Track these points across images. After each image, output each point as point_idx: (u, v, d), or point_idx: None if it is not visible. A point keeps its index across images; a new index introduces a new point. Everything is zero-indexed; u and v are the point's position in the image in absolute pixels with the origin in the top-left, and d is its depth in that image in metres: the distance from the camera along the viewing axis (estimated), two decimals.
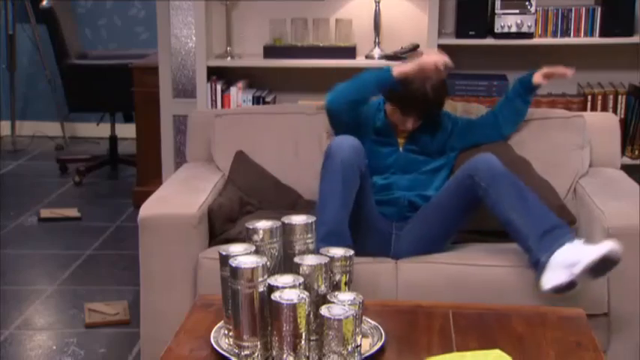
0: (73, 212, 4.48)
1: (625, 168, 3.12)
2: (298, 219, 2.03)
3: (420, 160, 2.84)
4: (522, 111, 2.96)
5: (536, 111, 3.18)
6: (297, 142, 3.11)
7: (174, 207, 2.73)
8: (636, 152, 3.53)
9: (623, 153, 3.35)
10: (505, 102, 2.95)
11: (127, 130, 5.33)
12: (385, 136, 2.85)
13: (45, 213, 4.48)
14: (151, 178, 4.23)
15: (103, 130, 5.49)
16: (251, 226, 1.99)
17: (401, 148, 2.85)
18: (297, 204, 3.00)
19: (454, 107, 3.07)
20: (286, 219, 2.04)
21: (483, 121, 2.96)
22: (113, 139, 5.30)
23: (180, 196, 2.83)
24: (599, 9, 3.44)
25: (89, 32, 6.06)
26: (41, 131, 6.06)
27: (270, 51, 3.60)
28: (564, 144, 3.00)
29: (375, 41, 3.57)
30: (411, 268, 2.61)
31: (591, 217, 2.70)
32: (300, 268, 1.91)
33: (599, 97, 3.50)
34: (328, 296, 1.90)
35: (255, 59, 3.62)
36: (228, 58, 3.62)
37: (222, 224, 2.80)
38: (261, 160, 3.08)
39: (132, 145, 4.87)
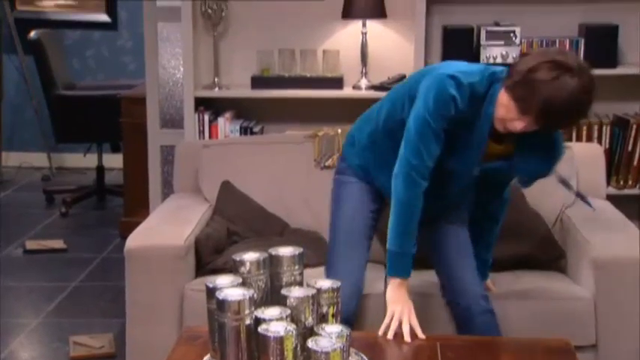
0: (58, 244, 4.45)
1: (610, 198, 3.13)
2: (285, 250, 2.03)
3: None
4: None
5: None
6: (284, 172, 3.12)
7: (161, 238, 2.72)
8: (621, 182, 3.55)
9: (608, 183, 3.37)
10: (481, 230, 2.56)
11: (114, 161, 5.32)
12: (472, 146, 2.27)
13: (31, 245, 4.44)
14: (138, 208, 4.21)
15: (90, 160, 5.48)
16: (238, 258, 1.98)
17: (477, 169, 2.31)
18: (284, 233, 3.00)
19: None
20: (273, 250, 2.03)
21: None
22: (100, 170, 5.28)
23: (167, 227, 2.82)
24: (583, 41, 3.48)
25: (77, 63, 6.07)
26: (28, 162, 6.03)
27: (257, 81, 3.61)
28: (552, 174, 3.01)
29: (362, 72, 3.59)
30: None
31: (578, 248, 2.71)
32: (288, 300, 1.90)
33: (584, 128, 3.52)
34: (315, 328, 1.89)
35: (243, 90, 3.63)
36: (216, 89, 3.63)
37: (209, 255, 2.79)
38: (249, 190, 3.07)
39: (119, 175, 4.86)
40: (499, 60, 3.46)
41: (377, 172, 2.44)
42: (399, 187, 2.24)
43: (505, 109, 2.16)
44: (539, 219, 2.91)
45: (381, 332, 2.23)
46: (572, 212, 2.94)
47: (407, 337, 2.16)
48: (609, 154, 3.50)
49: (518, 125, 2.15)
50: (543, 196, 2.97)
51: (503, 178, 2.45)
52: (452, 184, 2.37)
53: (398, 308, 2.22)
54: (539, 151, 2.28)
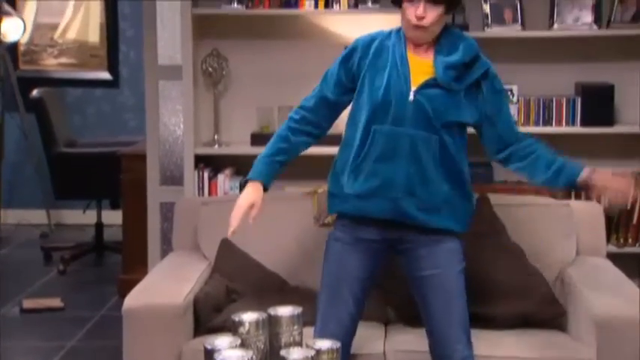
0: (56, 302, 4.40)
1: (611, 256, 3.12)
2: (284, 310, 2.01)
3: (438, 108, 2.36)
4: (535, 182, 2.52)
5: (523, 198, 3.21)
6: (283, 229, 3.11)
7: (160, 297, 2.70)
8: (621, 240, 3.55)
9: (608, 241, 3.36)
10: (531, 161, 2.46)
11: (113, 217, 5.31)
12: (397, 73, 2.38)
13: (28, 304, 4.39)
14: (136, 265, 4.19)
15: (89, 217, 5.47)
16: (237, 318, 1.97)
17: (411, 94, 2.36)
18: (283, 290, 2.98)
19: None
20: (272, 310, 2.02)
21: (503, 131, 2.45)
22: (99, 227, 5.27)
23: (166, 285, 2.80)
24: (579, 99, 3.52)
25: (78, 119, 6.11)
26: (26, 219, 6.02)
27: (257, 138, 3.63)
28: (551, 232, 3.01)
29: None
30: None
31: (579, 307, 2.69)
32: None
33: None
34: None
35: (243, 146, 3.65)
36: (216, 146, 3.65)
37: (207, 314, 2.77)
38: (248, 248, 3.06)
39: (118, 231, 4.84)
40: None
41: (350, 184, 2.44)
42: None
43: (401, 15, 2.39)
44: (540, 277, 2.89)
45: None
46: (572, 270, 2.92)
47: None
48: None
49: (411, 13, 2.34)
50: (544, 253, 2.97)
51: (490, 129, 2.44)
52: (399, 120, 2.36)
53: (240, 201, 2.46)
54: (452, 46, 2.39)
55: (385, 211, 2.41)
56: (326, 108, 2.52)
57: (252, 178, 2.50)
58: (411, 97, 2.36)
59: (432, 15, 2.34)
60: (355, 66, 2.45)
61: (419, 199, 2.38)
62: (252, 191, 2.48)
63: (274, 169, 2.52)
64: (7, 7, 5.59)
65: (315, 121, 2.54)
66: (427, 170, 2.38)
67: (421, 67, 2.40)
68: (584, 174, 2.42)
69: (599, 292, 2.67)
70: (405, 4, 2.37)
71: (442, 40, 2.41)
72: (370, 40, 2.46)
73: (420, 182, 2.38)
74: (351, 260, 2.45)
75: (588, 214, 3.12)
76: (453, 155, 2.41)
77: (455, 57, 2.38)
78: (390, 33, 2.47)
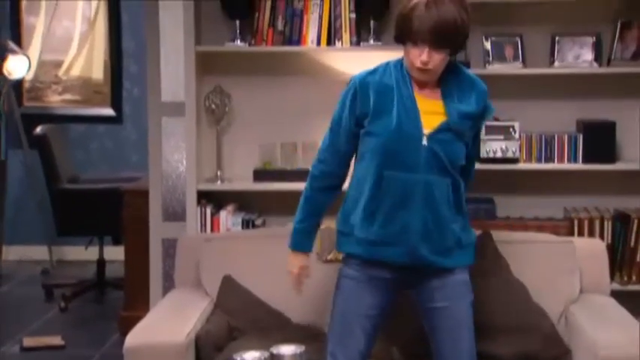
0: (56, 340, 4.36)
1: (615, 294, 3.11)
2: (287, 349, 2.01)
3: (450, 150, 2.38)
4: None
5: (526, 235, 3.20)
6: (286, 265, 3.09)
7: (161, 335, 2.68)
8: (625, 278, 3.53)
9: (612, 279, 3.34)
10: None
11: (115, 253, 5.30)
12: (407, 114, 2.38)
13: (28, 342, 4.35)
14: (137, 302, 4.17)
15: (91, 253, 5.46)
16: (238, 358, 1.96)
17: (425, 139, 2.36)
18: (286, 328, 2.96)
19: None
20: (275, 349, 2.01)
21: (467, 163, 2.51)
22: (101, 263, 5.26)
23: (168, 323, 2.79)
24: (581, 136, 3.53)
25: (81, 154, 6.13)
26: (28, 255, 6.01)
27: (259, 175, 3.64)
28: (555, 269, 3.00)
29: None
30: None
31: (583, 347, 2.67)
32: None
33: (586, 222, 3.52)
34: None
35: (245, 183, 3.65)
36: (218, 182, 3.66)
37: (209, 352, 2.75)
38: (250, 285, 3.05)
39: (120, 267, 4.83)
40: (499, 154, 3.50)
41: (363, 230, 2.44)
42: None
43: (404, 54, 2.38)
44: (544, 315, 2.87)
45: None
46: (576, 308, 2.90)
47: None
48: (612, 250, 3.48)
49: (415, 57, 2.32)
50: (547, 290, 2.95)
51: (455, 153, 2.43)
52: (413, 165, 2.36)
53: (290, 267, 2.57)
54: (462, 91, 2.41)
55: (401, 257, 2.41)
56: (341, 158, 2.52)
57: (292, 248, 2.59)
58: (425, 142, 2.36)
59: (435, 60, 2.33)
60: (359, 110, 2.43)
61: (434, 243, 2.39)
62: (295, 259, 2.60)
63: (310, 234, 2.58)
64: (12, 45, 5.65)
65: (335, 171, 2.53)
66: (441, 213, 2.39)
67: (430, 107, 2.39)
68: None
69: (603, 330, 2.65)
70: (409, 47, 2.35)
71: (448, 78, 2.41)
72: (368, 77, 2.43)
73: (435, 226, 2.38)
74: (364, 298, 2.45)
75: (592, 251, 3.10)
76: (461, 192, 2.44)
77: (470, 107, 2.40)
78: (387, 66, 2.44)
